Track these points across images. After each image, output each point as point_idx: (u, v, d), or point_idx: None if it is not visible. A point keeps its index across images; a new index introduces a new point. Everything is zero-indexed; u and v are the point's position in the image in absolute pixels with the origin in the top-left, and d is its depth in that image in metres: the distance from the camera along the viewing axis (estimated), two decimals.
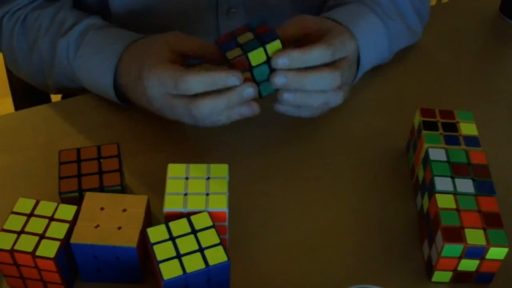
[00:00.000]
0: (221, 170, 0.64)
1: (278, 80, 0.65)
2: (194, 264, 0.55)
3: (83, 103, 0.80)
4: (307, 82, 0.66)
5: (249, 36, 0.66)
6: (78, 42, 0.76)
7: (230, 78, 0.64)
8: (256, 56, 0.65)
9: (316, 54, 0.66)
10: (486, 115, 0.79)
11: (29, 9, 0.81)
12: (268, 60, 0.65)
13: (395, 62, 0.86)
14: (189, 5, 0.85)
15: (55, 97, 1.03)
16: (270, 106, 0.79)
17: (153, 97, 0.67)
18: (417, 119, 0.71)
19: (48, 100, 1.07)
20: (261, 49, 0.65)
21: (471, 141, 0.68)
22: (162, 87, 0.65)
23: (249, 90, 0.65)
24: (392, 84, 0.84)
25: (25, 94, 1.05)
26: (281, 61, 0.64)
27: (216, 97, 0.64)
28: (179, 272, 0.55)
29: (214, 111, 0.65)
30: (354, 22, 0.75)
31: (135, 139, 0.75)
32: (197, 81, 0.64)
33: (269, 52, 0.65)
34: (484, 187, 0.63)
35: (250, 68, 0.65)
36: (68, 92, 0.88)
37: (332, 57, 0.67)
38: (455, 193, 0.63)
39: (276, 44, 0.65)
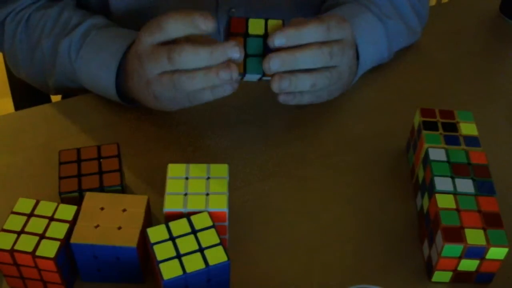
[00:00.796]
0: (221, 170, 0.64)
1: (273, 65, 0.64)
2: (194, 264, 0.55)
3: (83, 103, 0.80)
4: (300, 60, 0.65)
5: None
6: (80, 43, 0.76)
7: (205, 20, 0.63)
8: (255, 25, 0.65)
9: (311, 30, 0.66)
10: (486, 115, 0.79)
11: (33, 9, 0.81)
12: (265, 37, 0.65)
13: (395, 62, 0.86)
14: (189, 5, 0.85)
15: (55, 97, 1.03)
16: (269, 106, 0.79)
17: (142, 53, 0.66)
18: (417, 119, 0.71)
19: (48, 100, 1.07)
20: (263, 20, 0.65)
21: (471, 141, 0.68)
22: (148, 37, 0.65)
23: (235, 54, 0.63)
24: (392, 84, 0.84)
25: (25, 94, 1.05)
26: (278, 41, 0.64)
27: (199, 45, 0.63)
28: (179, 272, 0.55)
29: (195, 62, 0.63)
30: (351, 21, 0.75)
31: (135, 139, 0.75)
32: (176, 18, 0.63)
33: (269, 28, 0.65)
34: (484, 187, 0.63)
35: (245, 37, 0.65)
36: (68, 93, 0.88)
37: (327, 33, 0.67)
38: (455, 193, 0.63)
39: (277, 22, 0.65)
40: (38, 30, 0.79)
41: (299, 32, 0.65)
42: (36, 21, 0.80)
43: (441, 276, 0.62)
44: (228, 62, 0.64)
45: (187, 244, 0.57)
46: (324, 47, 0.67)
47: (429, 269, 0.63)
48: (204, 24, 0.63)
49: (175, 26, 0.64)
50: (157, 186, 0.67)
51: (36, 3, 0.82)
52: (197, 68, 0.64)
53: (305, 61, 0.66)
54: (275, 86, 0.66)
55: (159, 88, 0.67)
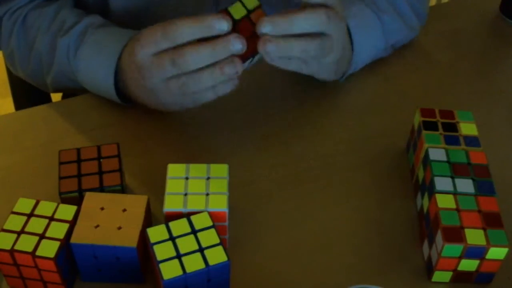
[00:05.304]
0: (221, 170, 0.64)
1: (264, 28, 0.63)
2: (194, 264, 0.55)
3: (83, 103, 0.80)
4: (295, 24, 0.64)
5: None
6: (78, 42, 0.76)
7: (219, 22, 0.62)
8: (236, 10, 0.64)
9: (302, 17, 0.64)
10: (486, 115, 0.79)
11: (30, 7, 0.81)
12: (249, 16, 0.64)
13: (395, 62, 0.86)
14: (189, 4, 0.85)
15: (55, 97, 1.03)
16: (269, 106, 0.79)
17: (143, 65, 0.66)
18: (417, 119, 0.71)
19: (48, 100, 1.07)
20: (239, 4, 0.64)
21: (471, 141, 0.68)
22: (151, 46, 0.65)
23: (238, 45, 0.63)
24: (392, 84, 0.84)
25: (25, 94, 1.05)
26: (265, 28, 0.63)
27: (199, 45, 0.63)
28: (179, 272, 0.55)
29: (200, 61, 0.63)
30: (346, 7, 0.75)
31: (135, 139, 0.75)
32: (186, 25, 0.63)
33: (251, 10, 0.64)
34: (484, 187, 0.63)
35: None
36: (67, 92, 0.88)
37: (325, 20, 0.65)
38: (455, 193, 0.63)
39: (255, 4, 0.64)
40: (35, 29, 0.79)
41: (286, 18, 0.64)
42: (33, 20, 0.80)
43: (441, 276, 0.62)
44: (231, 57, 0.63)
45: (187, 244, 0.57)
46: (320, 10, 0.65)
47: (429, 269, 0.63)
48: (219, 24, 0.62)
49: (187, 31, 0.63)
50: (157, 186, 0.67)
51: (33, 2, 0.82)
52: (201, 68, 0.64)
53: (300, 25, 0.64)
54: (261, 48, 0.64)
55: (165, 95, 0.67)
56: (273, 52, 0.64)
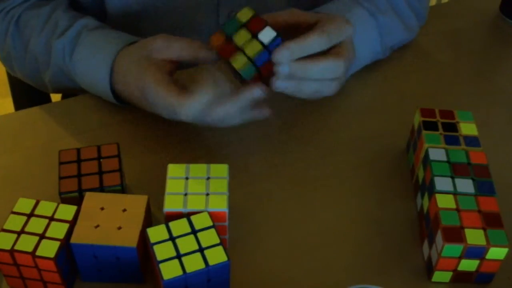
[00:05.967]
0: (221, 170, 0.64)
1: (282, 69, 0.64)
2: (194, 264, 0.55)
3: (83, 103, 0.80)
4: (311, 71, 0.65)
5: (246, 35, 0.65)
6: (73, 44, 0.75)
7: (254, 92, 0.64)
8: (253, 48, 0.64)
9: (312, 42, 0.65)
10: (486, 115, 0.79)
11: (24, 7, 0.81)
12: (265, 47, 0.64)
13: (395, 62, 0.86)
14: (189, 7, 0.85)
15: (55, 97, 1.03)
16: (269, 106, 0.79)
17: (161, 112, 0.68)
18: (417, 119, 0.71)
19: (48, 100, 1.07)
20: (257, 42, 0.63)
21: (471, 141, 0.68)
22: (168, 107, 0.66)
23: (258, 92, 0.65)
24: (392, 84, 0.84)
25: (25, 94, 1.05)
26: (283, 58, 0.64)
27: (227, 104, 0.64)
28: (179, 272, 0.55)
29: (227, 117, 0.65)
30: (344, 15, 0.75)
31: (135, 139, 0.75)
32: (227, 111, 0.65)
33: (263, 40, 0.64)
34: (484, 187, 0.63)
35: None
36: (67, 92, 0.88)
37: (328, 43, 0.66)
38: (455, 193, 0.63)
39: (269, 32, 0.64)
40: (29, 30, 0.79)
41: (301, 46, 0.65)
42: (27, 20, 0.80)
43: (441, 276, 0.62)
44: (259, 106, 0.67)
45: (187, 244, 0.57)
46: (338, 60, 0.66)
47: (429, 269, 0.63)
48: (254, 94, 0.65)
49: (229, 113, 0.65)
50: (157, 186, 0.67)
51: (26, 2, 0.81)
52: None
53: (316, 72, 0.66)
54: (272, 86, 0.65)
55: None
56: (282, 90, 0.66)
